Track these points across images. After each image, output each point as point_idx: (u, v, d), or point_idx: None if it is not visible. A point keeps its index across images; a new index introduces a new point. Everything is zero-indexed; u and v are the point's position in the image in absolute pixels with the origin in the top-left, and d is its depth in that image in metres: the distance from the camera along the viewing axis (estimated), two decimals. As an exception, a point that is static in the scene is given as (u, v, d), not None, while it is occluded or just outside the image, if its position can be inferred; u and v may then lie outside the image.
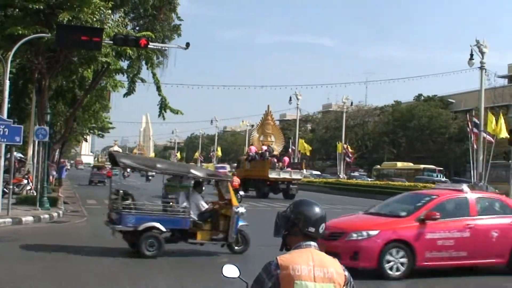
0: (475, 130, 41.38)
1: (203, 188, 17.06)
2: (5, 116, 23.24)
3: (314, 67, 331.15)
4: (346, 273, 3.75)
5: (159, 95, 36.36)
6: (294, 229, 3.84)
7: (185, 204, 15.96)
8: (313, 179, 72.31)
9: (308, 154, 77.53)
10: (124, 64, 34.03)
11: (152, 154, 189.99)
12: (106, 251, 15.83)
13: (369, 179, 73.67)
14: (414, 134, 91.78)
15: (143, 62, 33.13)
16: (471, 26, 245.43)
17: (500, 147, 46.08)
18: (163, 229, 15.13)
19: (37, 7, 24.48)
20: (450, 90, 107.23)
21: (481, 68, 42.17)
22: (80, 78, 34.58)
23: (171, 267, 14.06)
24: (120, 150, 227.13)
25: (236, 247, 15.86)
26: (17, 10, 25.75)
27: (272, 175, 45.55)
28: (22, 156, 44.52)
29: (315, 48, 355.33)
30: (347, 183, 61.96)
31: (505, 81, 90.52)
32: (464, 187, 14.85)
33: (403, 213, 13.94)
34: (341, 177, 71.38)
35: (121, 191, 16.09)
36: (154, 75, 34.88)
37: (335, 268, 3.71)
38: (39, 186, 26.60)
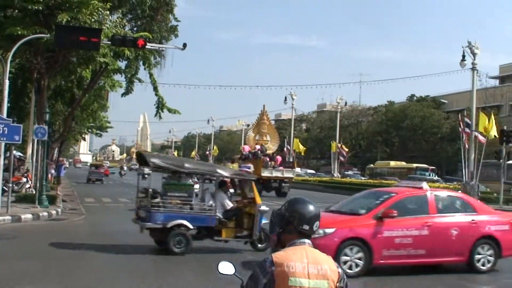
0: (466, 130, 41.42)
1: (229, 187, 17.48)
2: (4, 115, 23.18)
3: (309, 67, 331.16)
4: (340, 270, 3.76)
5: (156, 95, 36.38)
6: (289, 227, 3.85)
7: (211, 202, 16.18)
8: (307, 177, 72.36)
9: (302, 153, 77.59)
10: (122, 64, 34.01)
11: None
12: (104, 248, 15.83)
13: (363, 178, 73.75)
14: (407, 134, 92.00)
15: (141, 63, 33.13)
16: (463, 28, 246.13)
17: (491, 147, 46.24)
18: (191, 226, 15.35)
19: (36, 8, 24.43)
20: (443, 91, 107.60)
21: (473, 69, 42.23)
22: (79, 78, 34.52)
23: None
24: (119, 149, 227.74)
25: (259, 245, 16.01)
26: (16, 10, 25.67)
27: (265, 173, 45.64)
28: (21, 154, 44.46)
29: (309, 49, 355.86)
30: (341, 182, 61.95)
31: (496, 82, 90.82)
32: (424, 185, 14.53)
33: (362, 211, 13.61)
34: (335, 175, 71.37)
35: (150, 190, 16.32)
36: (151, 75, 34.89)
37: (329, 265, 3.72)
38: (38, 184, 26.55)
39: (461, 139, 42.94)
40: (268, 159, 47.43)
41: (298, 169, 72.27)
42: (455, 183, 53.50)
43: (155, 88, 36.06)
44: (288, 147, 71.19)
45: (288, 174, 47.58)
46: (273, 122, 76.32)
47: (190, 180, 33.59)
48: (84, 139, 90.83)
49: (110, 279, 12.16)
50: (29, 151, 34.85)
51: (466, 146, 41.42)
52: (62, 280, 11.80)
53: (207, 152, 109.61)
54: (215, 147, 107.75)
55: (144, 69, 34.01)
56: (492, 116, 41.40)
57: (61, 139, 44.36)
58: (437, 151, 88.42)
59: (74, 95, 39.35)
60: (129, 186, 56.79)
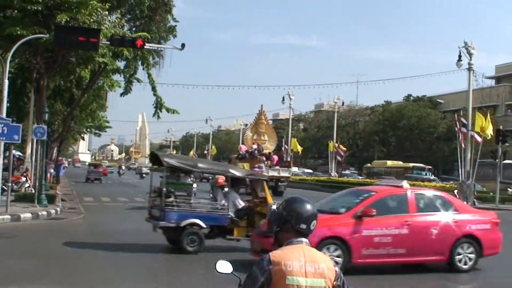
0: (463, 129, 41.47)
1: (240, 187, 17.73)
2: (4, 115, 23.19)
3: (307, 68, 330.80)
4: (337, 268, 3.77)
5: (155, 95, 36.41)
6: (286, 226, 3.85)
7: (223, 202, 16.32)
8: (305, 177, 72.33)
9: (300, 152, 77.56)
10: (121, 64, 34.07)
11: (148, 153, 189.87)
12: (103, 247, 15.83)
13: (360, 177, 73.76)
14: (404, 134, 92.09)
15: (139, 63, 33.16)
16: (459, 29, 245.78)
17: (487, 146, 46.26)
18: (204, 225, 15.42)
19: (35, 8, 24.45)
20: (439, 91, 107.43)
21: (469, 69, 42.31)
22: (78, 78, 34.50)
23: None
24: (117, 149, 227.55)
25: None
26: (16, 11, 25.69)
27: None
28: (21, 154, 44.42)
29: (307, 49, 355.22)
30: (338, 181, 61.93)
31: (492, 82, 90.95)
32: (404, 183, 14.35)
33: (342, 210, 13.43)
34: (332, 175, 71.35)
35: (164, 189, 16.31)
36: (149, 75, 34.94)
37: (326, 264, 3.72)
38: (37, 184, 26.54)
39: (457, 139, 42.90)
40: (264, 158, 47.46)
41: (295, 169, 72.32)
42: (451, 182, 53.53)
43: (154, 88, 36.09)
44: (286, 146, 71.19)
45: (284, 173, 47.63)
46: (271, 122, 76.33)
47: (189, 179, 33.73)
48: (83, 139, 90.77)
49: (110, 278, 12.15)
50: (29, 150, 34.85)
51: (463, 145, 41.45)
52: (62, 279, 11.79)
53: (206, 152, 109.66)
54: (213, 147, 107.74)
55: (143, 69, 34.08)
56: (488, 116, 41.44)
57: (60, 139, 44.39)
58: (434, 150, 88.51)
59: (73, 95, 39.35)
60: (128, 186, 56.90)
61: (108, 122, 62.34)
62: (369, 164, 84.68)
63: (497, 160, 42.45)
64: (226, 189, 34.85)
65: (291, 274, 3.62)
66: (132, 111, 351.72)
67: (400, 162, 78.39)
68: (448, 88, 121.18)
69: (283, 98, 73.02)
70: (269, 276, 3.62)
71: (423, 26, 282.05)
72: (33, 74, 30.42)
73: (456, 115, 45.69)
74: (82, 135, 74.37)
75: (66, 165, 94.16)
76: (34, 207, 24.38)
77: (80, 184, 53.57)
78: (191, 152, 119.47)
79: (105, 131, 68.46)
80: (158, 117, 37.35)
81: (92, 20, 25.11)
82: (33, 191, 27.25)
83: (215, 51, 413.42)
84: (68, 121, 40.84)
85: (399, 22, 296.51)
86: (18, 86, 35.91)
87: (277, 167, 47.38)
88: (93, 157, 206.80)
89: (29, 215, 22.43)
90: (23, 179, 31.31)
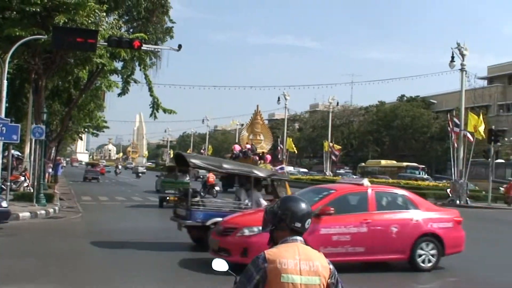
0: (455, 129, 41.62)
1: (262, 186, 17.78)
2: (2, 115, 23.14)
3: (302, 68, 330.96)
4: (331, 266, 3.77)
5: (151, 95, 36.46)
6: (281, 224, 3.86)
7: (247, 201, 16.45)
8: (300, 176, 72.36)
9: (296, 151, 77.60)
10: (118, 65, 34.13)
11: (145, 152, 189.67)
12: (102, 246, 15.82)
13: (354, 176, 73.74)
14: (397, 133, 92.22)
15: (137, 63, 33.17)
16: (452, 30, 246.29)
17: (479, 146, 46.38)
18: None
19: (34, 9, 24.42)
20: (432, 91, 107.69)
21: (462, 70, 42.45)
22: (76, 78, 34.49)
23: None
24: (115, 148, 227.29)
25: None
26: (14, 12, 25.65)
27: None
28: (20, 154, 44.39)
29: (303, 50, 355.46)
30: (333, 180, 61.97)
31: (484, 82, 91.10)
32: (365, 181, 13.98)
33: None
34: (327, 174, 71.43)
35: (191, 190, 16.54)
36: (146, 76, 34.96)
37: (321, 262, 3.73)
38: (35, 183, 26.52)
39: (450, 139, 43.07)
40: (257, 158, 47.57)
41: (291, 168, 72.28)
42: (444, 181, 53.72)
43: (150, 89, 36.15)
44: (281, 146, 71.21)
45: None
46: (266, 122, 76.22)
47: (187, 178, 33.87)
48: (81, 139, 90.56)
49: (109, 277, 12.10)
50: (27, 150, 34.82)
51: (455, 145, 41.61)
52: (61, 278, 11.74)
53: (202, 151, 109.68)
54: (209, 146, 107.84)
55: (140, 70, 34.12)
56: (481, 116, 41.60)
57: (59, 139, 44.37)
58: (427, 150, 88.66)
59: (71, 95, 39.32)
60: (125, 185, 56.86)
61: (105, 122, 62.31)
62: (363, 164, 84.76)
63: (489, 159, 42.57)
64: (217, 188, 35.58)
65: (286, 272, 3.62)
66: (129, 111, 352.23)
67: (394, 162, 78.55)
68: (441, 88, 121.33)
69: (279, 98, 73.02)
70: (264, 274, 3.63)
71: (419, 27, 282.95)
72: (31, 74, 30.39)
73: (449, 115, 45.83)
74: (80, 135, 74.23)
75: (64, 165, 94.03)
76: (32, 206, 24.34)
77: (78, 183, 53.47)
78: (188, 152, 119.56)
79: (103, 131, 68.38)
80: (155, 117, 37.43)
81: (90, 21, 25.08)
82: (32, 190, 27.24)
83: (212, 52, 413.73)
84: (66, 121, 40.83)
85: (396, 23, 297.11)
86: (17, 87, 35.87)
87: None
88: (91, 156, 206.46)
89: (27, 214, 22.39)
90: (22, 178, 31.28)
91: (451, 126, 42.31)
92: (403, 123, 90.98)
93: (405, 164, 74.03)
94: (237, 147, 51.78)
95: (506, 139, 69.49)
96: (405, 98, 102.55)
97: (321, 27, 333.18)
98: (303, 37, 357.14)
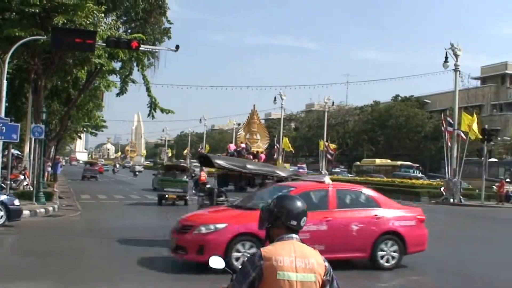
0: (449, 128, 41.71)
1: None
2: (2, 114, 23.12)
3: (298, 68, 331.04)
4: (326, 263, 3.79)
5: (149, 95, 36.41)
6: (277, 222, 3.87)
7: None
8: (296, 175, 72.34)
9: (292, 150, 77.68)
10: (117, 65, 34.05)
11: (143, 151, 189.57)
12: (101, 244, 15.81)
13: (349, 175, 73.84)
14: (392, 133, 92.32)
15: (135, 64, 33.16)
16: (446, 31, 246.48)
17: (473, 145, 46.45)
18: None
19: (33, 10, 24.37)
20: (426, 91, 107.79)
21: (455, 70, 42.53)
22: (75, 78, 34.43)
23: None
24: (113, 148, 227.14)
25: None
26: (14, 13, 25.61)
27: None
28: (19, 153, 44.31)
29: (300, 50, 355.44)
30: (329, 179, 61.91)
31: (478, 83, 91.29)
32: (326, 179, 13.73)
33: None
34: (322, 173, 71.43)
35: (216, 189, 16.62)
36: (144, 76, 34.95)
37: (316, 259, 3.74)
38: (35, 182, 26.49)
39: (443, 138, 43.15)
40: (251, 157, 47.79)
41: (287, 166, 72.33)
42: (438, 180, 53.79)
43: (148, 89, 36.12)
44: (278, 145, 71.27)
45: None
46: (263, 121, 76.47)
47: (185, 177, 34.02)
48: (80, 138, 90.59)
49: (108, 275, 12.08)
50: (27, 149, 34.78)
51: (449, 144, 41.70)
52: (61, 276, 11.71)
53: (200, 150, 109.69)
54: (207, 146, 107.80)
55: (138, 70, 34.06)
56: (475, 115, 41.71)
57: (58, 138, 44.29)
58: (421, 149, 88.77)
59: (70, 95, 39.25)
60: (123, 183, 56.83)
61: (104, 121, 62.28)
62: (358, 162, 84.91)
63: (482, 158, 42.63)
64: (208, 186, 36.04)
65: (282, 269, 3.63)
66: (127, 111, 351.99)
67: (389, 161, 78.70)
68: (435, 88, 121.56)
69: (275, 98, 72.98)
70: (260, 271, 3.64)
71: (415, 28, 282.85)
72: (31, 74, 30.34)
73: (442, 115, 45.91)
74: (79, 134, 74.23)
75: (64, 164, 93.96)
76: (32, 205, 24.32)
77: (77, 182, 53.45)
78: (186, 151, 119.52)
79: (102, 131, 68.36)
80: (153, 117, 37.38)
81: (88, 22, 25.03)
82: (31, 189, 27.21)
83: (209, 52, 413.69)
84: (65, 120, 40.79)
85: (392, 24, 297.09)
86: (16, 87, 35.79)
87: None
88: (89, 155, 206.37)
89: (27, 212, 22.30)
90: (22, 177, 31.22)
91: (444, 125, 42.40)
92: (398, 123, 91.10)
93: (399, 163, 74.16)
94: (232, 146, 52.09)
95: (499, 138, 69.65)
96: (399, 98, 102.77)
97: (319, 28, 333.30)
98: (301, 37, 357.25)
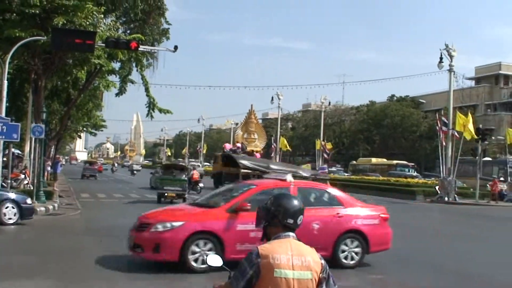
0: (444, 128, 41.76)
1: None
2: (3, 114, 23.09)
3: (295, 69, 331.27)
4: (323, 261, 3.79)
5: (148, 96, 36.38)
6: (274, 221, 3.87)
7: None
8: (293, 174, 72.34)
9: (288, 149, 77.69)
10: (116, 65, 34.03)
11: (142, 151, 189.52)
12: (100, 243, 15.78)
13: (346, 174, 73.93)
14: (387, 132, 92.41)
15: (134, 64, 33.14)
16: (444, 32, 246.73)
17: (467, 144, 46.52)
18: None
19: (33, 11, 24.34)
20: (421, 91, 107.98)
21: (450, 70, 42.58)
22: (74, 78, 34.40)
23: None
24: (113, 147, 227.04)
25: None
26: (14, 14, 25.57)
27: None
28: (20, 152, 44.22)
29: (296, 51, 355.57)
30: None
31: (472, 83, 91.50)
32: (288, 177, 13.33)
33: (222, 204, 12.53)
34: (322, 171, 71.48)
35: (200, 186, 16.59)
36: (143, 77, 34.93)
37: (312, 257, 3.75)
38: (35, 181, 26.44)
39: (438, 137, 43.18)
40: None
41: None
42: (433, 179, 53.87)
43: (147, 89, 36.10)
44: (275, 144, 71.29)
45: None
46: (260, 121, 76.35)
47: (184, 176, 34.04)
48: (80, 137, 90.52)
49: (108, 274, 12.06)
50: (27, 148, 34.70)
51: (444, 143, 41.74)
52: (61, 275, 11.67)
53: (198, 150, 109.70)
54: (205, 145, 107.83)
55: (137, 70, 34.05)
56: (470, 116, 41.76)
57: (58, 137, 44.27)
58: (416, 148, 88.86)
59: (70, 95, 39.22)
60: (122, 182, 56.79)
61: (103, 121, 62.26)
62: (354, 162, 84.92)
63: (477, 157, 42.65)
64: (201, 185, 35.99)
65: (278, 267, 3.63)
66: (127, 110, 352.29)
67: (384, 160, 78.75)
68: (430, 88, 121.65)
69: (272, 98, 72.94)
70: (257, 269, 3.64)
71: (411, 28, 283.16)
72: (31, 75, 30.30)
73: (437, 115, 45.94)
74: (79, 134, 74.17)
75: (64, 163, 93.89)
76: (32, 203, 24.25)
77: (76, 181, 53.41)
78: (184, 150, 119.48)
79: (101, 130, 68.35)
80: (152, 117, 37.35)
81: (88, 23, 25.01)
82: (32, 188, 27.14)
83: (207, 53, 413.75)
84: (65, 120, 40.77)
85: (389, 25, 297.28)
86: (17, 87, 35.75)
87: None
88: (89, 155, 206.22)
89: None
90: (22, 176, 31.17)
91: (439, 125, 42.44)
92: (393, 122, 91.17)
93: (395, 162, 74.20)
94: (227, 146, 52.08)
95: (493, 137, 69.74)
96: (395, 98, 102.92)
97: (316, 28, 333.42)
98: (298, 38, 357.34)
